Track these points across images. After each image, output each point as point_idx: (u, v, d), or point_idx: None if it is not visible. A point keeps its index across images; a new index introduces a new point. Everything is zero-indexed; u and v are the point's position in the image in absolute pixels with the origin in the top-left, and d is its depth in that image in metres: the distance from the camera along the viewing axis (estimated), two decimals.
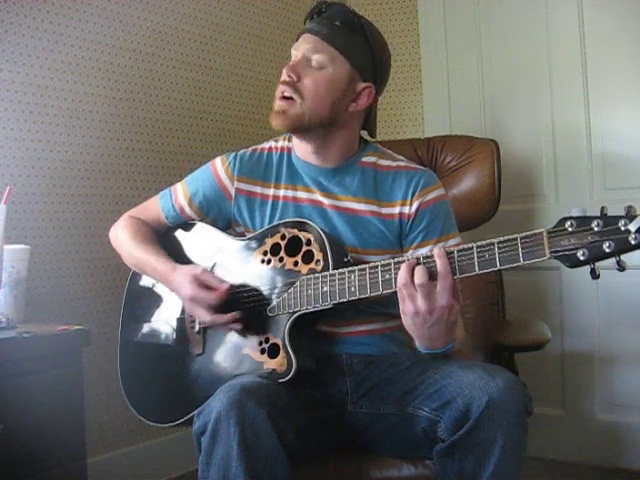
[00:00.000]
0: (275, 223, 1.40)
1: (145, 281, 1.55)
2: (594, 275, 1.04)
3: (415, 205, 1.40)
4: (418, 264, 1.17)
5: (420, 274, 1.16)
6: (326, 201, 1.43)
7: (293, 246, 1.34)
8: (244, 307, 1.36)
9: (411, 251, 1.40)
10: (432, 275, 1.16)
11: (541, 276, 2.43)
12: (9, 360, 1.36)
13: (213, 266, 1.44)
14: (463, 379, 1.18)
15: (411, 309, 1.18)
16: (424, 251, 1.38)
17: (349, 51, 1.38)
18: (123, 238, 1.52)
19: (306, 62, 1.38)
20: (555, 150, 2.43)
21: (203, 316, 1.34)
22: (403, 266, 1.18)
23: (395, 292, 1.21)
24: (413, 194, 1.41)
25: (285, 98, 1.36)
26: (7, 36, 1.86)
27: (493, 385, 1.14)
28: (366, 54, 1.40)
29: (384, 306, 1.40)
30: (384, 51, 1.44)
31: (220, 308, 1.33)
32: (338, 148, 1.44)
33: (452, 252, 1.15)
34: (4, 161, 1.86)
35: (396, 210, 1.41)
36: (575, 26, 2.35)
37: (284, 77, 1.38)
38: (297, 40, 1.43)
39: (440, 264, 1.15)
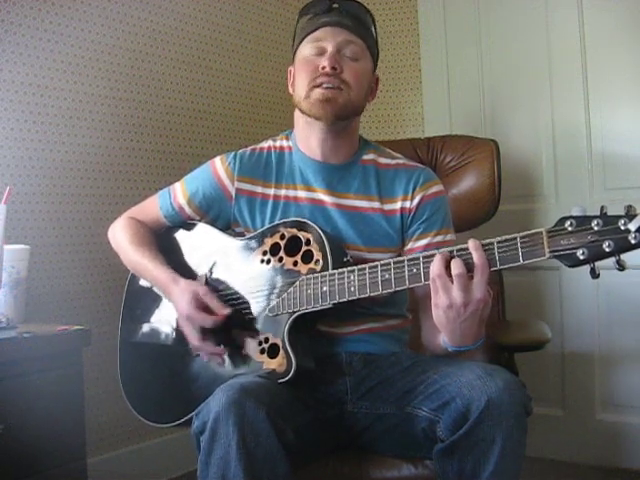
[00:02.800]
0: (274, 223, 1.40)
1: (144, 282, 1.54)
2: (594, 275, 1.04)
3: (417, 199, 1.41)
4: (452, 257, 1.15)
5: (458, 265, 1.13)
6: (328, 199, 1.43)
7: (292, 246, 1.34)
8: (243, 307, 1.36)
9: (411, 243, 1.41)
10: (468, 267, 1.14)
11: (541, 276, 2.43)
12: (9, 360, 1.36)
13: (213, 265, 1.44)
14: (462, 379, 1.18)
15: (445, 301, 1.15)
16: (423, 243, 1.39)
17: (370, 44, 1.43)
18: (121, 240, 1.52)
19: (339, 53, 1.39)
20: (555, 150, 2.43)
21: (192, 339, 1.33)
22: (437, 257, 1.15)
23: (395, 292, 1.21)
24: (414, 189, 1.42)
25: (331, 88, 1.36)
26: (7, 36, 1.86)
27: (492, 385, 1.14)
28: (375, 47, 1.47)
29: (383, 306, 1.40)
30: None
31: (212, 331, 1.32)
32: (348, 143, 1.45)
33: (452, 251, 1.15)
34: (4, 161, 1.86)
35: (397, 206, 1.42)
36: (575, 26, 2.35)
37: (325, 69, 1.35)
38: (310, 33, 1.42)
39: (477, 256, 1.12)
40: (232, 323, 1.34)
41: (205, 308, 1.32)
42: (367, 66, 1.42)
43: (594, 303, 2.35)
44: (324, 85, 1.36)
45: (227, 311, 1.32)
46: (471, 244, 1.14)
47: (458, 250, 1.16)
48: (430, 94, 2.68)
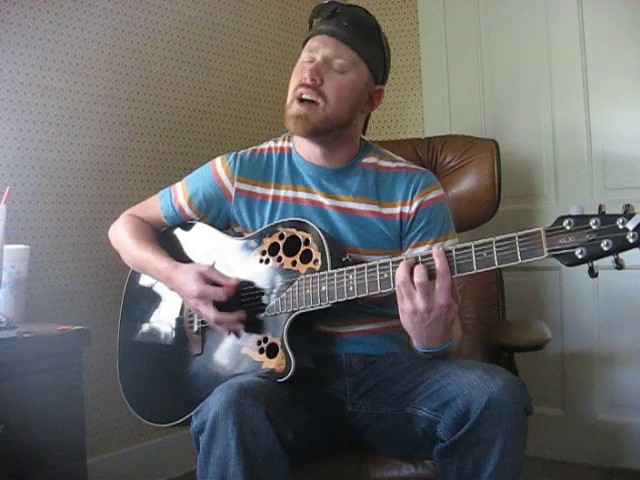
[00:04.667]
0: (273, 223, 1.40)
1: (144, 281, 1.55)
2: (592, 274, 1.04)
3: (415, 204, 1.41)
4: (417, 263, 1.17)
5: (420, 273, 1.15)
6: (327, 201, 1.43)
7: (291, 246, 1.34)
8: (242, 307, 1.35)
9: (409, 250, 1.41)
10: (431, 274, 1.16)
11: (541, 276, 2.43)
12: (9, 360, 1.37)
13: (212, 265, 1.44)
14: (462, 379, 1.18)
15: (409, 307, 1.18)
16: (421, 250, 1.38)
17: (368, 55, 1.39)
18: (122, 236, 1.52)
19: (326, 65, 1.36)
20: (555, 150, 2.43)
21: (208, 313, 1.33)
22: (401, 264, 1.18)
23: (394, 291, 1.21)
24: (413, 194, 1.42)
25: (306, 101, 1.34)
26: (7, 36, 1.86)
27: (492, 385, 1.14)
28: (380, 57, 1.43)
29: (382, 307, 1.40)
30: (390, 53, 1.47)
31: (224, 307, 1.32)
32: (343, 149, 1.44)
33: (450, 251, 1.15)
34: (4, 161, 1.86)
35: (397, 210, 1.42)
36: (575, 26, 2.35)
37: (305, 80, 1.35)
38: (308, 39, 1.42)
39: (439, 263, 1.14)
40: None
41: (213, 283, 1.33)
42: (357, 78, 1.38)
43: (594, 303, 2.34)
44: (303, 96, 1.35)
45: (234, 280, 1.33)
46: (435, 251, 1.16)
47: (423, 257, 1.17)
48: (430, 94, 2.68)
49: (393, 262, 1.21)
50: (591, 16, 2.33)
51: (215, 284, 1.33)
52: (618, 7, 2.28)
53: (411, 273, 1.16)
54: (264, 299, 1.34)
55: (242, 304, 1.36)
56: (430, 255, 1.16)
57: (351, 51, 1.37)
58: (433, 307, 1.16)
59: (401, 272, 1.17)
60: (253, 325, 1.34)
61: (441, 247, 1.17)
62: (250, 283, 1.37)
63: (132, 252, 1.49)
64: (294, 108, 1.36)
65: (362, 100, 1.41)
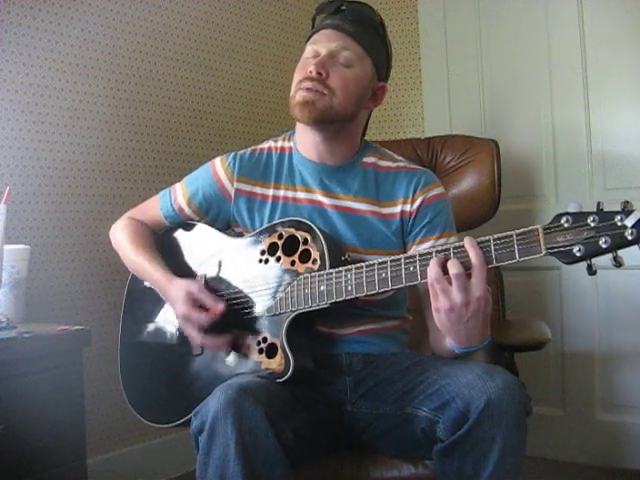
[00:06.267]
0: (272, 222, 1.40)
1: (145, 282, 1.55)
2: (590, 271, 1.03)
3: (418, 202, 1.41)
4: (447, 258, 1.15)
5: (454, 265, 1.13)
6: (326, 201, 1.43)
7: (290, 245, 1.34)
8: (242, 307, 1.36)
9: (413, 247, 1.40)
10: (465, 266, 1.13)
11: (541, 276, 2.43)
12: (9, 360, 1.37)
13: (211, 265, 1.44)
14: (462, 379, 1.18)
15: (446, 304, 1.15)
16: (426, 246, 1.38)
17: (373, 50, 1.40)
18: (121, 240, 1.52)
19: (332, 58, 1.37)
20: (555, 150, 2.43)
21: (194, 336, 1.34)
22: (433, 261, 1.15)
23: (392, 290, 1.21)
24: (415, 191, 1.41)
25: (313, 91, 1.34)
26: (7, 36, 1.86)
27: (492, 385, 1.14)
28: (383, 54, 1.44)
29: (383, 308, 1.40)
30: (392, 51, 1.48)
31: (213, 327, 1.32)
32: (345, 145, 1.44)
33: (448, 249, 1.15)
34: (4, 161, 1.86)
35: (397, 209, 1.41)
36: (575, 26, 2.35)
37: (311, 73, 1.35)
38: (312, 35, 1.42)
39: (474, 254, 1.12)
40: (230, 323, 1.34)
41: (200, 306, 1.33)
42: (362, 73, 1.39)
43: (594, 303, 2.34)
44: (307, 88, 1.35)
45: (221, 307, 1.31)
46: (467, 242, 1.14)
47: (454, 249, 1.15)
48: (430, 94, 2.68)
49: (391, 261, 1.21)
50: (591, 16, 2.33)
51: (203, 306, 1.32)
52: (618, 7, 2.28)
53: (444, 269, 1.14)
54: (263, 299, 1.34)
55: (240, 304, 1.36)
56: (461, 247, 1.14)
57: (357, 45, 1.38)
58: (471, 300, 1.13)
59: (433, 268, 1.14)
60: (252, 325, 1.33)
61: (472, 238, 1.14)
62: (249, 283, 1.37)
63: (130, 257, 1.49)
64: (300, 95, 1.36)
65: (366, 95, 1.42)
